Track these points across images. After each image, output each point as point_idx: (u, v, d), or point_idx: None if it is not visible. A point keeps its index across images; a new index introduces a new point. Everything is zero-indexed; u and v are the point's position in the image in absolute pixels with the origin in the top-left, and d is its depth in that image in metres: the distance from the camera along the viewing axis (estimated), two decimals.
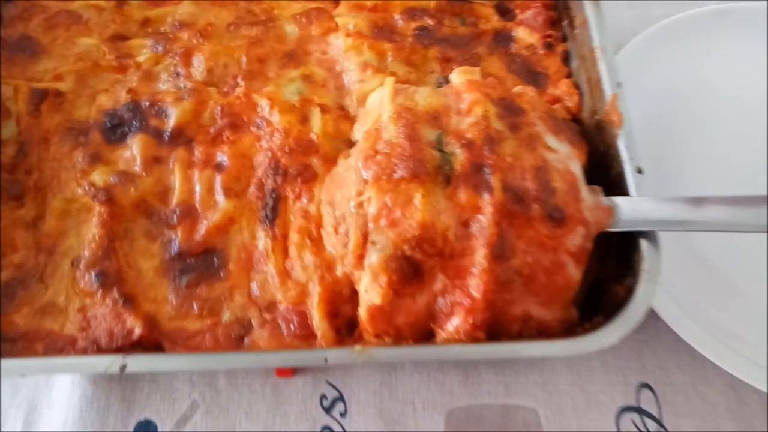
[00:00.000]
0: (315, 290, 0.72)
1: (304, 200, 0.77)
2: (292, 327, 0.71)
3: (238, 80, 0.85)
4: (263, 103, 0.82)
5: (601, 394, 0.82)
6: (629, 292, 0.69)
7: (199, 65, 0.86)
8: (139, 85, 0.84)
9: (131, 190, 0.76)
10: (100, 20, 0.90)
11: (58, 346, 0.68)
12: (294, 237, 0.75)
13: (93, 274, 0.71)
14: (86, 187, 0.76)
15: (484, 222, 0.65)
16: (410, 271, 0.65)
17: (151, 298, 0.72)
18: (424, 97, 0.74)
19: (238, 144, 0.80)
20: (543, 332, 0.67)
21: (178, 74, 0.86)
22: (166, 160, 0.79)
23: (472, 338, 0.64)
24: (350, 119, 0.83)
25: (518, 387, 0.81)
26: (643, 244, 0.69)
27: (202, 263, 0.75)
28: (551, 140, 0.71)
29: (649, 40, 1.04)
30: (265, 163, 0.79)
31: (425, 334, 0.67)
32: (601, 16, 0.84)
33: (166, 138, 0.80)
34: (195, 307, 0.72)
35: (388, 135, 0.69)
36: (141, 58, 0.87)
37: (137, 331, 0.68)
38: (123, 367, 0.61)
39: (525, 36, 0.92)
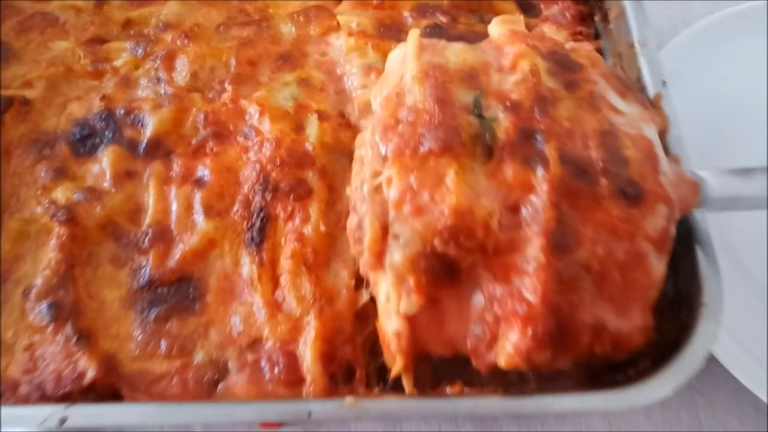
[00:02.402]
0: (311, 325, 0.62)
1: (298, 220, 0.67)
2: (276, 370, 0.61)
3: (226, 85, 0.76)
4: (252, 110, 0.73)
5: None
6: (683, 330, 0.57)
7: (182, 69, 0.77)
8: (115, 91, 0.75)
9: (97, 209, 0.67)
10: (78, 22, 0.82)
11: None
12: (286, 263, 0.65)
13: (44, 305, 0.61)
14: (46, 206, 0.66)
15: (538, 204, 0.51)
16: (444, 271, 0.51)
17: (113, 334, 0.62)
18: (456, 53, 0.60)
19: (223, 156, 0.71)
20: (619, 346, 0.53)
21: (159, 79, 0.76)
22: (140, 175, 0.70)
23: (537, 358, 0.51)
24: (351, 128, 0.73)
25: None
26: (703, 270, 0.57)
27: (175, 294, 0.65)
28: (617, 101, 0.58)
29: (691, 40, 0.93)
30: (253, 178, 0.69)
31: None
32: (640, 5, 0.72)
33: (142, 150, 0.71)
34: (163, 345, 0.62)
35: (413, 99, 0.56)
36: (119, 63, 0.78)
37: (90, 374, 0.58)
38: (63, 420, 0.51)
39: (552, 34, 0.81)
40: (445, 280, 0.52)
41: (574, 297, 0.50)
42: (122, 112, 0.73)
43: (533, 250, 0.51)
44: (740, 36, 0.95)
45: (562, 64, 0.58)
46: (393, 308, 0.54)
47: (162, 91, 0.75)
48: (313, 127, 0.72)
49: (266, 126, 0.71)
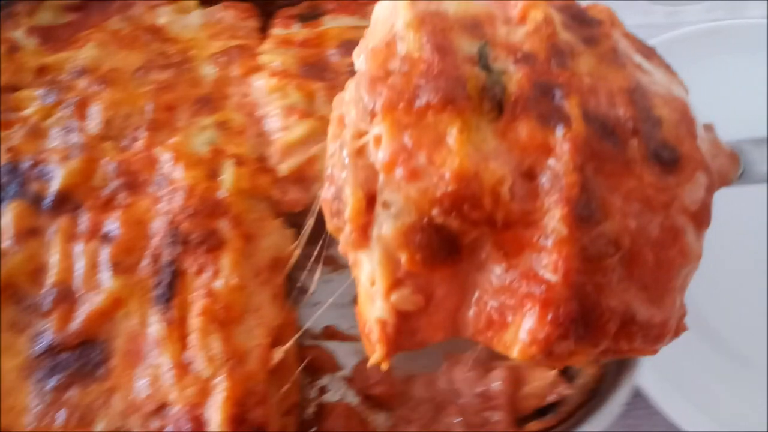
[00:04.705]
0: (221, 386, 0.58)
1: (209, 274, 0.63)
2: None
3: (140, 132, 0.73)
4: (166, 157, 0.70)
5: None
6: (600, 369, 0.54)
7: (95, 117, 0.74)
8: (22, 143, 0.72)
9: None
10: None
11: None
12: (195, 321, 0.62)
13: None
14: None
15: (558, 168, 0.43)
16: (443, 246, 0.43)
17: (7, 407, 0.58)
18: (456, 3, 0.51)
19: (134, 208, 0.67)
20: (648, 338, 0.45)
21: (69, 128, 0.73)
22: (44, 232, 0.66)
23: (557, 348, 0.43)
24: (270, 173, 0.71)
25: None
26: None
27: (78, 359, 0.61)
28: (642, 61, 0.51)
29: None
30: (162, 230, 0.65)
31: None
32: None
33: (47, 205, 0.67)
34: (61, 416, 0.58)
35: (406, 47, 0.46)
36: (29, 112, 0.74)
37: None
38: None
39: None
40: (443, 257, 0.43)
41: (601, 278, 0.42)
42: (29, 164, 0.69)
43: (553, 222, 0.43)
44: (702, 54, 0.92)
45: (579, 19, 0.50)
46: (380, 292, 0.45)
47: (72, 141, 0.72)
48: (228, 173, 0.69)
49: (179, 174, 0.68)
